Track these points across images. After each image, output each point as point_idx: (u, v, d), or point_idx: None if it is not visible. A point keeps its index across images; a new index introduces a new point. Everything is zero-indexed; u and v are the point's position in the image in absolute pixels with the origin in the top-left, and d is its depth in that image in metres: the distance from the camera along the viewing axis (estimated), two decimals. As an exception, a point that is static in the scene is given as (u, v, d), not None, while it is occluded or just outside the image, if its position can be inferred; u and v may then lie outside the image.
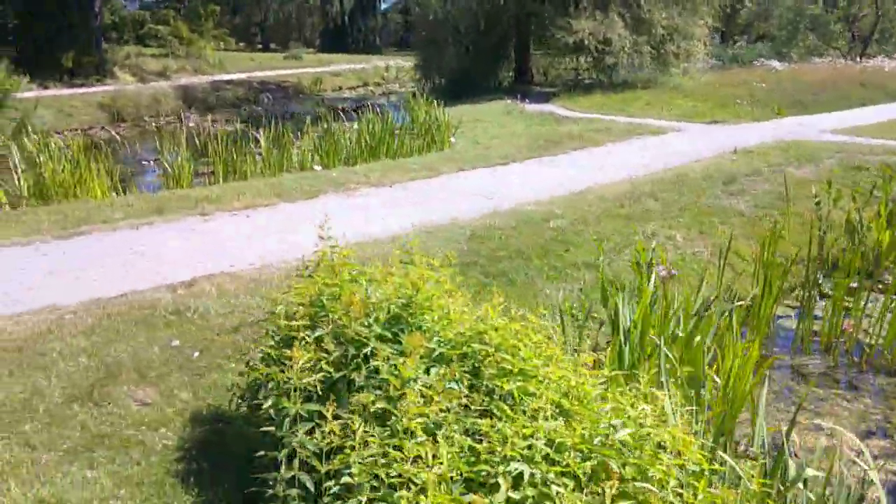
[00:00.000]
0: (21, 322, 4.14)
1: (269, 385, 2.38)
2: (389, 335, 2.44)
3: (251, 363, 2.82)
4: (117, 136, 12.40)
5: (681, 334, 3.96)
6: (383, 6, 63.40)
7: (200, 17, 36.88)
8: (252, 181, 8.75)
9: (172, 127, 18.91)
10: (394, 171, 8.96)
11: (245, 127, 12.60)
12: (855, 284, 5.88)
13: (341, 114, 13.44)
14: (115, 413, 3.20)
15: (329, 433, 2.04)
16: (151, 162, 12.11)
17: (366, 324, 2.46)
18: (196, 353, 3.84)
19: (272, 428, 2.25)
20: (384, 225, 6.48)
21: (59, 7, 22.21)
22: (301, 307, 2.70)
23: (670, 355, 3.53)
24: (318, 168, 10.37)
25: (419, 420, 1.99)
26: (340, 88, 33.20)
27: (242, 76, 29.65)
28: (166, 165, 10.37)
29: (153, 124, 19.29)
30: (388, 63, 39.28)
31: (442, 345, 2.38)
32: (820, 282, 6.24)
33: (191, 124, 19.46)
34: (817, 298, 5.91)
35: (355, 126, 12.53)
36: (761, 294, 5.15)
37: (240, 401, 2.88)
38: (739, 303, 4.75)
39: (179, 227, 6.35)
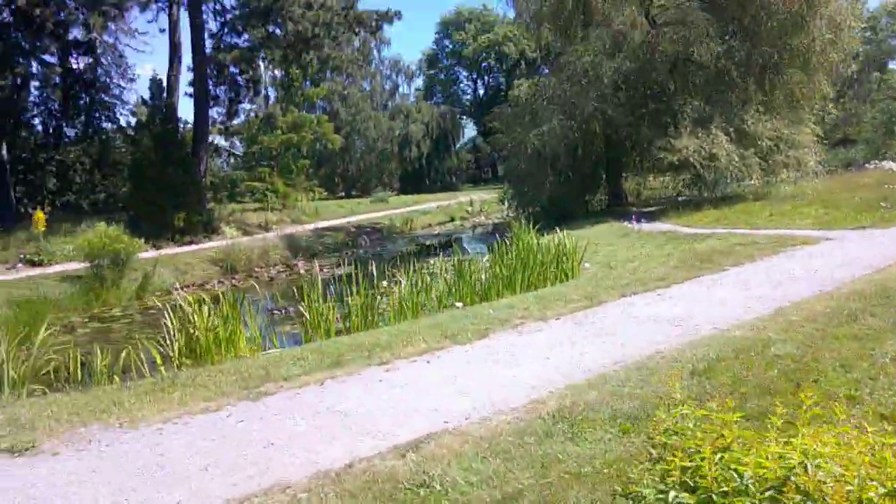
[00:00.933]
0: (255, 505, 3.61)
1: None
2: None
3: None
4: (255, 286, 12.33)
5: None
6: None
7: (292, 172, 38.76)
8: (406, 324, 8.31)
9: (284, 276, 19.17)
10: (551, 303, 8.42)
11: (366, 267, 12.42)
12: None
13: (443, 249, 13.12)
14: None
15: None
16: (282, 311, 11.97)
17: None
18: (475, 538, 3.20)
19: None
20: (580, 365, 5.85)
21: (170, 173, 23.54)
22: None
23: None
24: (458, 305, 9.95)
25: None
26: (430, 226, 33.77)
27: (338, 222, 30.54)
28: (305, 313, 10.14)
29: (265, 274, 19.62)
30: (471, 198, 40.07)
31: None
32: None
33: (301, 271, 19.74)
34: None
35: (486, 259, 12.23)
36: None
37: None
38: None
39: (363, 380, 5.87)
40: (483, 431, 4.46)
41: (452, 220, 36.00)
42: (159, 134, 23.62)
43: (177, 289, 11.38)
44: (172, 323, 8.79)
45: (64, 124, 29.80)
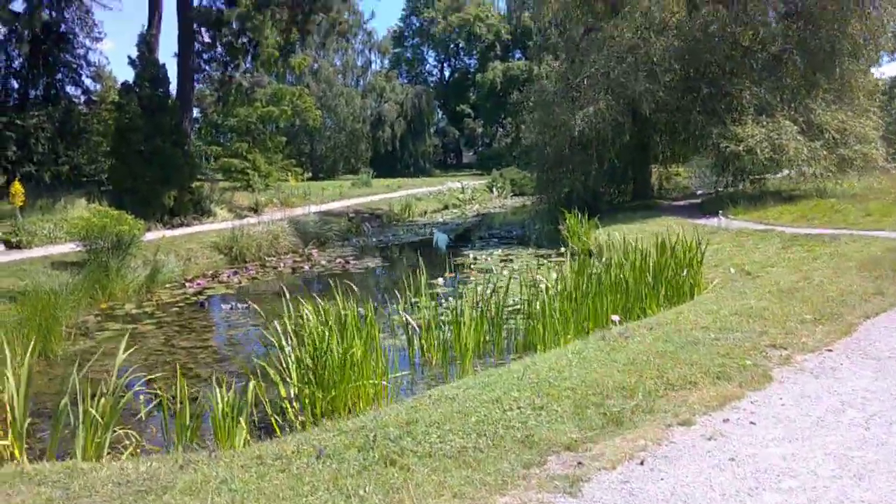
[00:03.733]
0: None
1: None
2: None
3: None
4: (276, 280, 10.09)
5: None
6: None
7: (269, 149, 36.04)
8: (600, 350, 6.42)
9: (306, 267, 16.99)
10: (782, 324, 6.67)
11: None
12: None
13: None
14: None
15: None
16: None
17: None
18: None
19: None
20: None
21: (159, 144, 20.88)
22: None
23: None
24: (615, 319, 8.13)
25: None
26: (425, 213, 31.74)
27: (332, 206, 28.20)
28: (410, 321, 8.19)
29: (280, 264, 17.34)
30: (462, 184, 38.19)
31: None
32: None
33: (323, 262, 17.54)
34: None
35: (596, 264, 10.36)
36: None
37: None
38: None
39: (697, 455, 4.01)
40: None
41: (446, 207, 34.06)
42: (148, 99, 20.89)
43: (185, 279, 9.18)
44: (289, 338, 6.70)
45: (29, 85, 26.47)
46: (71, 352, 9.80)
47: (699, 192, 26.88)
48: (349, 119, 54.36)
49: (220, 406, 5.59)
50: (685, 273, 9.78)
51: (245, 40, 22.56)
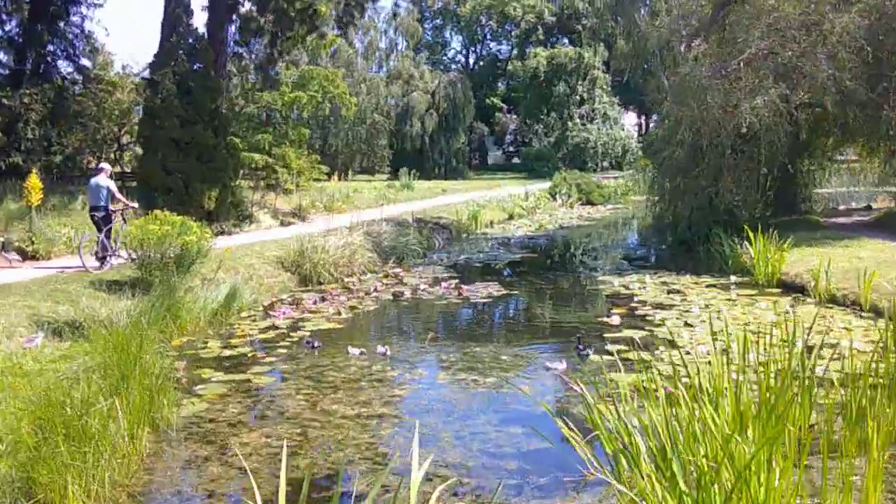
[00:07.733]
0: None
1: None
2: None
3: None
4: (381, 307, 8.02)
5: None
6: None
7: (293, 143, 34.02)
8: None
9: (408, 293, 14.98)
10: None
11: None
12: None
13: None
14: None
15: None
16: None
17: None
18: None
19: None
20: None
21: (199, 132, 18.92)
22: None
23: None
24: None
25: None
26: (492, 223, 29.72)
27: (384, 213, 26.08)
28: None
29: (371, 288, 15.28)
30: (526, 189, 36.32)
31: None
32: None
33: (422, 286, 15.48)
34: None
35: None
36: None
37: None
38: None
39: None
40: None
41: (511, 217, 32.02)
42: (184, 75, 18.90)
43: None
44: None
45: (28, 57, 24.43)
46: (180, 419, 7.78)
47: (840, 207, 25.15)
48: (371, 109, 52.35)
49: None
50: None
51: (298, 7, 20.53)
